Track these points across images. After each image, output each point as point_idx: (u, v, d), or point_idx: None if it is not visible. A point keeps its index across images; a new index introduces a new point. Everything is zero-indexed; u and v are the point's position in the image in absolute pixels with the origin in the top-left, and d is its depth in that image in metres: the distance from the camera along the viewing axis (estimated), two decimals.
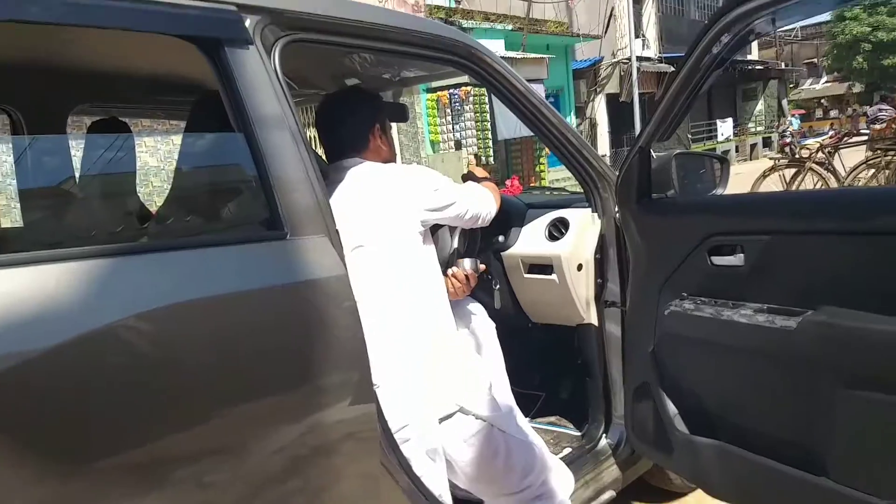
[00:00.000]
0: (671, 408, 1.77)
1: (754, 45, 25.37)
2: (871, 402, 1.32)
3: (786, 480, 1.49)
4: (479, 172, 2.20)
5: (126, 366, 1.03)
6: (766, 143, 23.66)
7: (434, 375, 1.63)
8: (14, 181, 2.05)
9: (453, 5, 14.25)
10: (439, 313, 1.74)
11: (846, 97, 30.03)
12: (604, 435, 2.13)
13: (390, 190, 1.68)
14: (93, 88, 2.08)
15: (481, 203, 1.89)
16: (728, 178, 2.06)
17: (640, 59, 17.97)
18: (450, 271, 1.95)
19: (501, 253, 2.22)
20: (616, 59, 18.41)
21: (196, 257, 1.18)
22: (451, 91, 11.95)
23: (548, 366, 2.56)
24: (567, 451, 2.13)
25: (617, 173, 1.98)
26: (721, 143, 21.52)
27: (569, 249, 2.06)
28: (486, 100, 11.57)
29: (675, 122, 1.80)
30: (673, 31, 20.50)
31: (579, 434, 2.26)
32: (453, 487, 1.69)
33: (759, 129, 24.90)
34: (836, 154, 8.20)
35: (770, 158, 10.15)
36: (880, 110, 11.48)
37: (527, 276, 2.18)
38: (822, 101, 33.09)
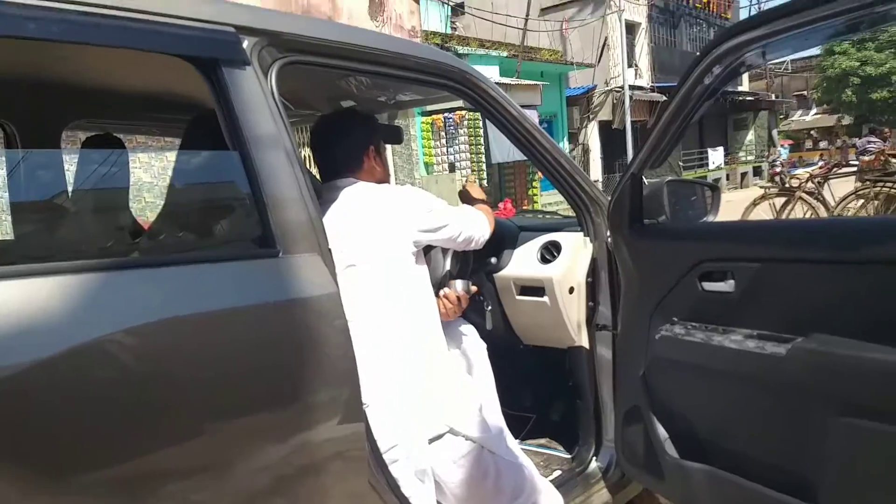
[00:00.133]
0: (661, 432, 1.77)
1: (745, 76, 25.77)
2: (861, 430, 1.33)
3: None
4: (475, 192, 2.21)
5: (115, 381, 1.03)
6: (756, 171, 23.91)
7: (424, 396, 1.63)
8: (6, 194, 2.05)
9: (449, 31, 14.45)
10: (431, 334, 1.74)
11: (835, 129, 30.44)
12: (594, 458, 2.12)
13: (383, 210, 1.69)
14: (89, 105, 2.09)
15: (475, 226, 1.89)
16: (719, 205, 2.09)
17: (632, 87, 18.22)
18: (441, 292, 1.95)
19: (493, 274, 2.23)
20: (609, 88, 18.66)
21: (187, 273, 1.18)
22: (446, 115, 12.06)
23: (538, 388, 2.56)
24: (557, 473, 2.12)
25: (609, 198, 2.00)
26: (712, 171, 21.72)
27: (561, 272, 2.07)
28: (480, 124, 11.68)
29: (667, 150, 1.82)
30: (665, 62, 20.81)
31: (569, 456, 2.25)
32: None
33: (749, 158, 25.18)
34: (826, 184, 8.29)
35: (760, 187, 10.25)
36: (869, 142, 11.61)
37: (518, 297, 2.18)
38: (812, 132, 33.53)
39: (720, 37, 1.59)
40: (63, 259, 1.12)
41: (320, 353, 1.27)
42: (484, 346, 2.05)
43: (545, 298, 2.09)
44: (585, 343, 2.12)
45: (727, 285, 1.62)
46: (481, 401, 1.75)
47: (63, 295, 1.00)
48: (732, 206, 8.44)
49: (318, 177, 1.92)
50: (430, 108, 11.49)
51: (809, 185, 8.18)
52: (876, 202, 7.35)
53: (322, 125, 1.88)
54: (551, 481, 1.90)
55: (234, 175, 1.29)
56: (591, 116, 18.70)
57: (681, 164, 20.51)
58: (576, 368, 2.16)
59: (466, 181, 2.34)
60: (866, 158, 9.04)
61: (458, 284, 1.97)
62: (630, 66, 18.79)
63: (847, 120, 28.28)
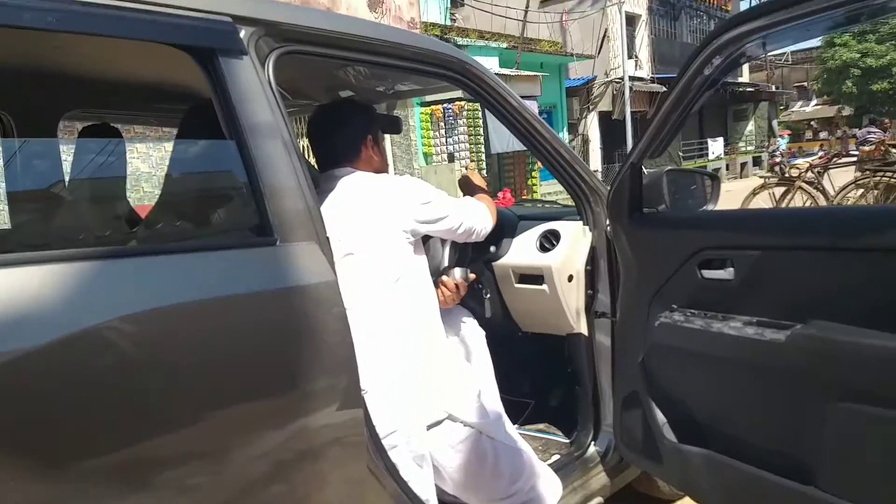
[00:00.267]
0: (660, 416, 1.78)
1: (746, 67, 25.71)
2: (860, 415, 1.34)
3: (774, 489, 1.50)
4: (476, 179, 2.21)
5: (113, 368, 1.03)
6: (756, 162, 23.89)
7: (423, 382, 1.64)
8: (2, 183, 2.05)
9: (449, 23, 14.39)
10: (429, 321, 1.75)
11: (835, 120, 30.39)
12: (592, 442, 2.14)
13: (381, 200, 1.69)
14: (85, 94, 2.08)
15: (476, 218, 1.89)
16: (719, 194, 2.09)
17: (632, 79, 18.18)
18: (440, 280, 1.96)
19: (492, 263, 2.23)
20: (609, 79, 18.62)
21: (185, 262, 1.19)
22: (445, 105, 12.04)
23: (537, 374, 2.57)
24: (555, 457, 2.13)
25: (608, 188, 2.00)
26: (712, 161, 21.71)
27: (560, 260, 2.08)
28: (480, 114, 11.66)
29: (667, 140, 1.82)
30: (665, 53, 20.75)
31: (568, 441, 2.26)
32: (441, 493, 1.69)
33: (749, 148, 25.15)
34: (826, 174, 8.29)
35: (760, 177, 10.25)
36: (869, 133, 11.62)
37: (517, 286, 2.19)
38: (812, 122, 33.48)
39: (721, 27, 1.59)
40: (60, 248, 1.12)
41: (318, 341, 1.28)
42: (483, 333, 2.06)
43: (544, 286, 2.10)
44: (584, 330, 2.13)
45: (727, 273, 1.62)
46: (480, 387, 1.76)
47: (60, 283, 1.00)
48: (732, 195, 8.44)
49: (315, 167, 1.92)
50: (429, 98, 11.47)
51: (809, 174, 8.18)
52: (875, 192, 7.35)
53: (320, 115, 1.88)
54: (550, 465, 1.92)
55: (232, 164, 1.30)
56: (590, 107, 18.66)
57: (681, 154, 20.51)
58: (574, 355, 2.18)
59: (466, 169, 2.34)
60: (866, 148, 9.05)
61: (457, 272, 1.98)
62: (630, 57, 18.74)
63: (847, 111, 28.25)
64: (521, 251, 2.18)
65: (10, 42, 1.38)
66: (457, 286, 1.96)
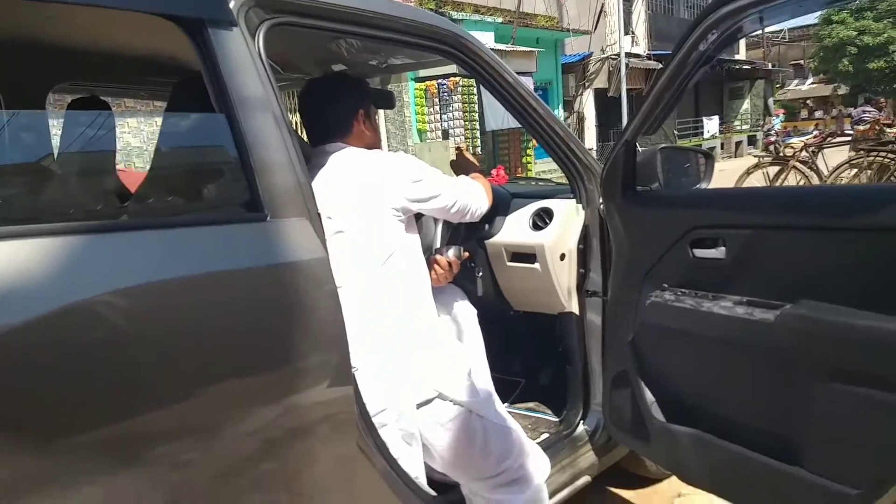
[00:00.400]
0: (649, 396, 1.79)
1: (742, 45, 25.58)
2: (847, 396, 1.35)
3: (760, 469, 1.52)
4: (469, 159, 2.20)
5: (102, 343, 1.03)
6: (751, 141, 23.86)
7: (414, 361, 1.64)
8: None
9: None
10: (420, 299, 1.75)
11: (831, 98, 30.32)
12: (581, 421, 2.15)
13: (372, 177, 1.68)
14: (75, 67, 2.05)
15: (470, 197, 1.88)
16: (712, 172, 2.08)
17: (628, 55, 18.04)
18: (433, 258, 1.95)
19: (485, 241, 2.23)
20: (605, 55, 18.47)
21: (174, 237, 1.17)
22: (440, 81, 11.94)
23: (528, 353, 2.58)
24: (545, 436, 2.15)
25: (602, 165, 1.99)
26: (707, 139, 21.67)
27: (552, 239, 2.07)
28: (475, 91, 11.57)
29: (662, 117, 1.81)
30: (662, 29, 20.59)
31: (557, 420, 2.28)
32: (430, 471, 1.70)
33: (744, 127, 25.11)
34: (820, 153, 8.30)
35: (755, 156, 10.25)
36: (864, 112, 11.63)
37: (510, 264, 2.19)
38: (808, 101, 33.38)
39: (717, 2, 1.57)
40: (49, 222, 1.10)
41: (309, 318, 1.27)
42: (474, 311, 2.06)
43: (536, 265, 2.10)
44: (576, 309, 2.13)
45: (718, 252, 1.62)
46: (471, 366, 1.76)
47: (49, 258, 0.99)
48: (727, 174, 8.43)
49: (307, 141, 1.90)
50: (423, 73, 11.36)
51: (803, 154, 8.18)
52: (869, 171, 7.36)
53: (311, 88, 1.86)
54: (539, 444, 1.93)
55: (221, 138, 1.28)
56: (586, 84, 18.53)
57: (676, 132, 20.44)
58: (565, 334, 2.18)
59: (458, 149, 2.32)
60: (861, 128, 9.06)
61: (450, 251, 1.97)
62: (627, 33, 18.58)
63: (843, 89, 28.19)
64: (514, 229, 2.18)
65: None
66: (449, 264, 1.95)
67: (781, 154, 8.47)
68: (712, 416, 1.66)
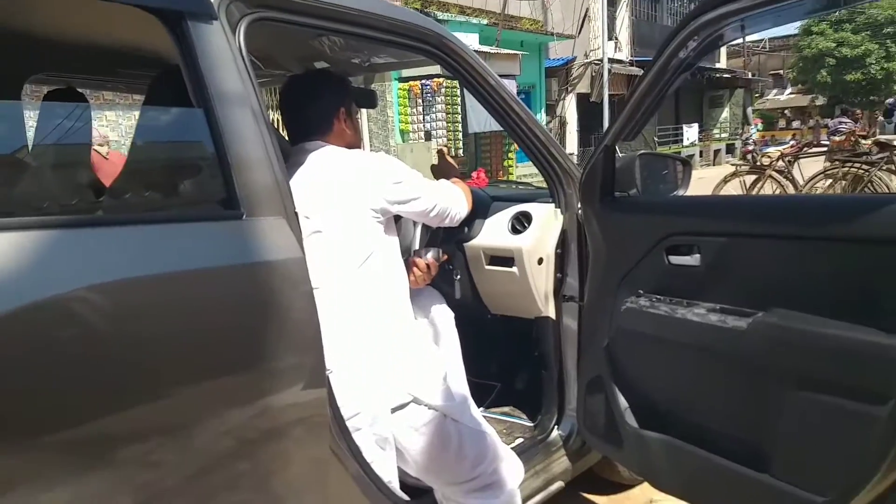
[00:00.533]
0: (622, 402, 1.80)
1: (722, 53, 25.85)
2: (816, 404, 1.36)
3: (730, 476, 1.53)
4: (450, 163, 2.20)
5: (71, 341, 1.01)
6: (730, 149, 24.14)
7: (389, 364, 1.63)
8: None
9: None
10: (397, 302, 1.74)
11: (809, 109, 30.80)
12: (556, 426, 2.15)
13: (352, 176, 1.67)
14: (51, 57, 2.01)
15: (450, 202, 1.87)
16: (689, 179, 2.10)
17: (611, 60, 18.15)
18: (411, 260, 1.94)
19: (464, 244, 2.22)
20: (588, 60, 18.56)
21: (147, 233, 1.16)
22: (424, 82, 11.91)
23: (505, 357, 2.58)
24: (519, 441, 2.15)
25: (582, 170, 2.00)
26: (686, 147, 21.86)
27: (530, 243, 2.07)
28: (458, 92, 11.57)
29: (641, 123, 1.82)
30: (645, 36, 20.74)
31: (532, 425, 2.28)
32: (403, 475, 1.69)
33: (723, 135, 25.38)
34: (796, 163, 8.41)
35: (732, 164, 10.36)
36: (841, 123, 11.80)
37: (488, 267, 2.19)
38: (786, 111, 33.87)
39: (698, 9, 1.58)
40: (21, 215, 1.08)
41: (284, 319, 1.26)
42: (452, 314, 2.05)
43: (514, 269, 2.10)
44: (552, 314, 2.13)
45: (693, 259, 1.64)
46: (446, 369, 1.76)
47: (22, 252, 0.97)
48: (705, 182, 8.53)
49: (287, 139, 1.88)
50: (407, 73, 11.33)
51: (780, 163, 8.28)
52: (843, 182, 7.48)
53: (292, 85, 1.84)
54: (513, 449, 1.93)
55: (198, 134, 1.26)
56: (569, 88, 18.62)
57: (656, 139, 20.62)
58: (542, 338, 2.18)
59: (438, 152, 2.31)
60: (837, 139, 9.18)
61: (428, 253, 1.96)
62: (610, 38, 18.70)
63: (821, 100, 28.65)
64: (493, 232, 2.18)
65: None
66: (427, 266, 1.94)
67: (758, 163, 8.57)
68: (685, 423, 1.67)
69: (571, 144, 18.22)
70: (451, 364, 1.87)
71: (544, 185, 2.20)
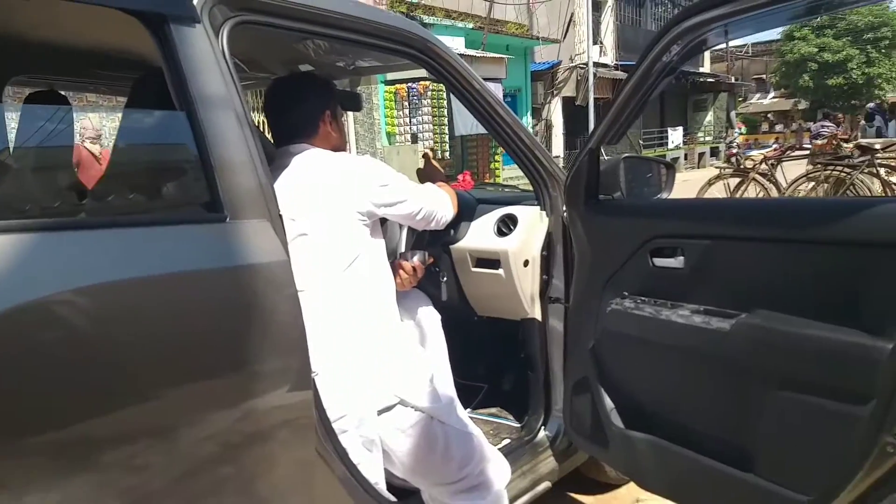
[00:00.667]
0: (608, 402, 1.81)
1: (706, 58, 26.09)
2: (798, 404, 1.38)
3: (715, 475, 1.54)
4: (436, 167, 2.20)
5: (53, 344, 1.00)
6: (714, 152, 24.33)
7: (375, 367, 1.62)
8: None
9: (416, 0, 14.21)
10: (384, 304, 1.74)
11: (791, 113, 31.10)
12: (542, 427, 2.16)
13: (337, 180, 1.66)
14: (33, 59, 1.99)
15: (436, 205, 1.87)
16: (673, 182, 2.12)
17: (596, 65, 18.26)
18: (397, 262, 1.94)
19: (450, 246, 2.23)
20: (574, 64, 18.65)
21: (130, 236, 1.15)
22: (410, 85, 11.90)
23: (491, 358, 2.59)
24: (506, 442, 2.15)
25: (567, 173, 2.01)
26: (671, 150, 22.01)
27: (516, 245, 2.08)
28: (445, 95, 11.58)
29: (625, 126, 1.83)
30: (629, 40, 20.88)
31: (519, 426, 2.29)
32: (390, 476, 1.69)
33: (707, 138, 25.60)
34: (779, 166, 8.49)
35: (716, 167, 10.45)
36: (823, 127, 11.94)
37: (474, 269, 2.19)
38: (769, 115, 34.19)
39: (681, 15, 1.60)
40: (3, 218, 1.07)
41: (269, 322, 1.26)
42: (438, 316, 2.06)
43: (500, 271, 2.10)
44: (538, 315, 2.14)
45: (677, 261, 1.65)
46: (433, 371, 1.76)
47: (2, 255, 0.96)
48: (689, 185, 8.59)
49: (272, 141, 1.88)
50: (393, 76, 11.32)
51: (763, 166, 8.36)
52: (826, 185, 7.56)
53: (277, 88, 1.83)
54: (500, 450, 1.93)
55: (181, 137, 1.25)
56: (555, 92, 18.70)
57: (641, 142, 20.75)
58: (528, 340, 2.19)
59: (424, 157, 2.32)
60: (819, 142, 9.28)
61: (415, 255, 1.96)
62: (595, 43, 18.81)
63: (803, 104, 28.94)
64: (479, 235, 2.18)
65: None
66: (414, 269, 1.95)
67: (742, 166, 8.64)
68: (670, 423, 1.68)
69: (557, 147, 18.30)
70: (437, 366, 1.87)
71: (530, 188, 2.21)
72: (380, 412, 1.62)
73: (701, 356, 1.57)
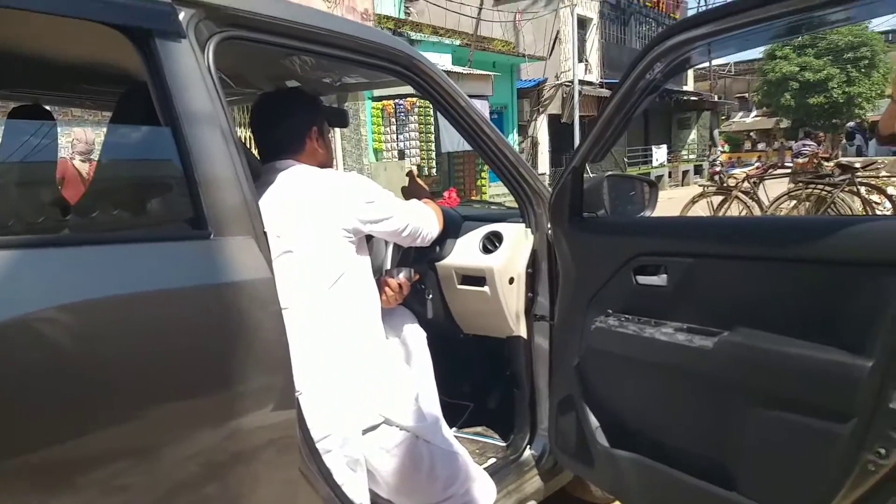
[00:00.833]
0: (593, 421, 1.81)
1: (690, 77, 26.44)
2: (781, 422, 1.38)
3: (699, 493, 1.54)
4: (420, 184, 2.21)
5: (35, 361, 0.98)
6: (698, 170, 24.61)
7: (360, 385, 1.61)
8: None
9: (403, 17, 14.31)
10: (369, 322, 1.73)
11: (774, 131, 31.54)
12: (528, 446, 2.15)
13: (323, 196, 1.66)
14: (16, 73, 1.98)
15: (421, 221, 1.87)
16: (656, 200, 2.13)
17: (582, 82, 18.46)
18: (383, 279, 1.94)
19: (436, 263, 2.22)
20: (559, 82, 18.85)
21: (113, 253, 1.14)
22: (397, 101, 11.96)
23: (477, 376, 2.58)
24: (491, 461, 2.14)
25: (551, 191, 2.02)
26: (655, 168, 22.23)
27: (502, 263, 2.08)
28: (431, 112, 11.64)
29: (609, 144, 1.84)
30: (614, 58, 21.13)
31: (504, 445, 2.28)
32: (375, 497, 1.67)
33: (691, 156, 25.88)
34: (761, 184, 8.59)
35: (700, 185, 10.55)
36: (804, 145, 12.11)
37: (460, 287, 2.19)
38: (752, 133, 34.63)
39: (664, 33, 1.62)
40: None
41: (252, 340, 1.25)
42: (424, 334, 2.05)
43: (486, 288, 2.10)
44: (524, 333, 2.14)
45: (660, 279, 1.66)
46: (418, 390, 1.75)
47: None
48: (674, 203, 8.68)
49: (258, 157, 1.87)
50: (380, 93, 11.37)
51: (745, 184, 8.45)
52: (807, 203, 7.65)
53: (263, 103, 1.83)
54: (485, 469, 1.92)
55: (166, 152, 1.25)
56: (540, 109, 18.86)
57: (626, 160, 20.92)
58: (513, 358, 2.19)
59: (408, 173, 2.32)
60: (800, 161, 9.39)
61: (400, 272, 1.96)
62: (580, 61, 19.02)
63: (785, 123, 29.36)
64: (464, 252, 2.18)
65: None
66: (399, 286, 1.94)
67: (725, 184, 8.73)
68: (654, 441, 1.68)
69: (543, 165, 18.42)
70: (423, 384, 1.86)
71: (515, 205, 2.21)
72: (364, 431, 1.60)
73: (684, 374, 1.57)
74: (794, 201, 7.83)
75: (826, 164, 8.51)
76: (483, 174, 14.58)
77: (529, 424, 2.16)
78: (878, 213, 7.13)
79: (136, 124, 1.46)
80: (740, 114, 36.66)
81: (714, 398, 1.53)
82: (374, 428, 1.62)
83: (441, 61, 12.10)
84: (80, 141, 5.93)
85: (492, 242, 2.15)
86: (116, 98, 1.68)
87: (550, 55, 18.43)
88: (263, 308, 1.26)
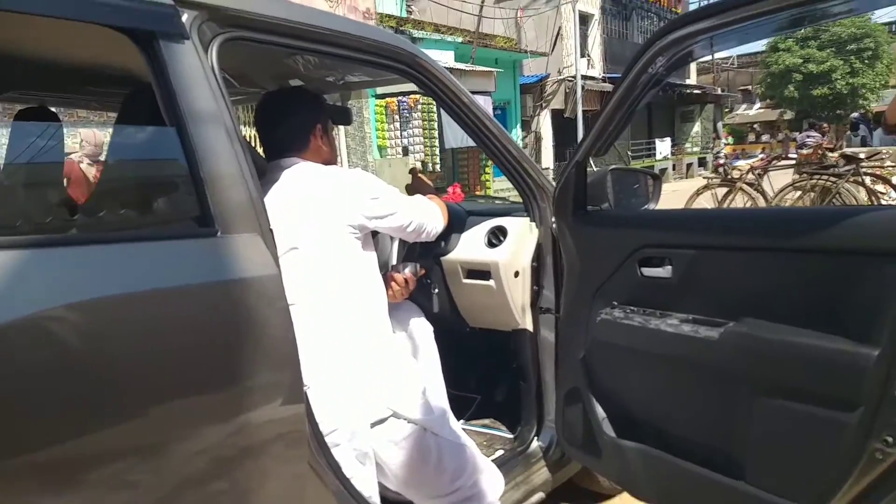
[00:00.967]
0: (600, 412, 1.82)
1: (693, 70, 26.35)
2: (787, 412, 1.39)
3: (706, 483, 1.55)
4: (424, 180, 2.21)
5: (44, 359, 1.00)
6: (701, 162, 24.53)
7: (367, 379, 1.63)
8: None
9: (405, 15, 14.31)
10: (375, 317, 1.74)
11: (777, 123, 31.40)
12: (535, 438, 2.16)
13: (328, 193, 1.67)
14: (21, 76, 1.99)
15: (426, 217, 1.88)
16: (660, 193, 2.14)
17: (584, 77, 18.42)
18: (389, 275, 1.95)
19: (441, 258, 2.24)
20: (562, 77, 18.81)
21: (121, 252, 1.15)
22: (400, 98, 11.96)
23: (484, 369, 2.59)
24: (499, 453, 2.15)
25: (555, 185, 2.03)
26: (659, 161, 22.17)
27: (507, 256, 2.09)
28: (435, 108, 11.64)
29: (612, 138, 1.85)
30: (616, 53, 21.07)
31: (512, 436, 2.29)
32: (383, 489, 1.69)
33: (694, 149, 25.81)
34: (766, 176, 8.56)
35: (704, 178, 10.52)
36: (808, 136, 12.05)
37: (465, 281, 2.20)
38: (755, 125, 34.48)
39: (666, 27, 1.62)
40: None
41: (260, 336, 1.26)
42: (430, 328, 2.07)
43: (491, 282, 2.11)
44: (529, 326, 2.15)
45: (665, 271, 1.66)
46: (425, 383, 1.76)
47: None
48: (678, 195, 8.66)
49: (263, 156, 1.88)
50: (383, 90, 11.38)
51: (750, 176, 8.43)
52: (812, 194, 7.62)
53: (267, 102, 1.85)
54: (493, 461, 1.93)
55: (172, 152, 1.26)
56: (543, 105, 18.83)
57: (629, 153, 20.89)
58: (520, 351, 2.20)
59: (412, 170, 2.33)
60: (805, 152, 9.35)
61: (406, 267, 1.97)
62: (583, 56, 18.98)
63: (789, 115, 29.24)
64: (469, 246, 2.19)
65: None
66: (406, 281, 1.95)
67: (729, 176, 8.71)
68: (661, 432, 1.69)
69: (547, 159, 18.40)
70: (430, 377, 1.87)
71: (519, 199, 2.22)
72: (372, 425, 1.62)
73: (690, 365, 1.58)
74: (799, 192, 7.80)
75: (830, 154, 8.47)
76: (487, 169, 14.56)
77: (536, 416, 2.17)
78: (883, 202, 7.10)
79: (141, 125, 1.47)
80: (744, 106, 36.53)
81: (720, 388, 1.54)
82: (382, 421, 1.63)
83: (443, 59, 12.10)
84: (88, 143, 5.88)
85: (496, 237, 2.16)
86: (122, 99, 1.70)
87: (553, 51, 18.39)
88: (271, 304, 1.27)
